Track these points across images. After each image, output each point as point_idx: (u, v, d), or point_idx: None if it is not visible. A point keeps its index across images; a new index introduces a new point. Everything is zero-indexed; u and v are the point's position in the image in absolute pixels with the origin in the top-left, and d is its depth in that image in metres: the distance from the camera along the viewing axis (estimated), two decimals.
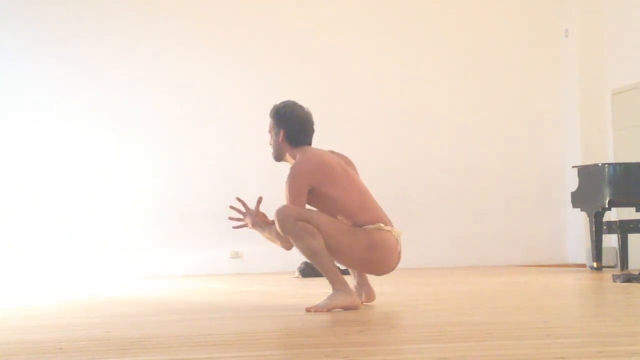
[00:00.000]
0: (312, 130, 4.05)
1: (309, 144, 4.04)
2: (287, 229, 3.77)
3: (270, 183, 9.26)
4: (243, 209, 4.01)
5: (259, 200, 3.96)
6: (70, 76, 9.32)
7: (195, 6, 9.65)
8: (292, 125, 3.99)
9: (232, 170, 9.42)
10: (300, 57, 9.65)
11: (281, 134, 4.00)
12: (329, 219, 3.84)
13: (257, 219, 3.97)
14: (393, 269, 3.94)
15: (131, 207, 9.28)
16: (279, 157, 4.08)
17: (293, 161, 3.98)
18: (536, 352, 2.33)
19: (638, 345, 2.51)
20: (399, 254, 3.92)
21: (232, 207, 4.04)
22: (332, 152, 4.08)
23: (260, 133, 9.07)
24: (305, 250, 3.79)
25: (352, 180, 3.96)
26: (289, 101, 4.09)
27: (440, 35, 10.04)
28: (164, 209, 9.29)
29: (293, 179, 3.86)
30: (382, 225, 3.84)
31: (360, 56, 9.81)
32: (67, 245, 9.06)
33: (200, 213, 9.31)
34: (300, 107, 4.05)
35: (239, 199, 4.04)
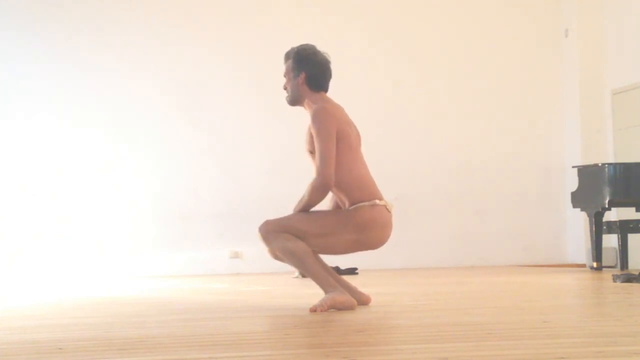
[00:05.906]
0: (330, 76, 3.99)
1: (326, 91, 3.98)
2: (271, 243, 3.78)
3: (271, 183, 9.33)
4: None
5: None
6: (70, 76, 9.33)
7: (195, 6, 9.65)
8: (314, 69, 3.92)
9: (232, 170, 9.42)
10: None
11: (302, 76, 3.92)
12: (309, 217, 3.80)
13: None
14: (387, 240, 3.92)
15: (131, 207, 9.29)
16: (294, 101, 3.98)
17: (310, 107, 3.88)
18: (536, 352, 2.33)
19: (638, 345, 2.51)
20: (391, 225, 3.91)
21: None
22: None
23: (261, 134, 9.15)
24: (290, 259, 3.78)
25: (358, 152, 3.94)
26: (309, 44, 4.00)
27: (440, 35, 10.04)
28: (164, 209, 9.30)
29: (322, 117, 3.74)
30: (377, 201, 3.83)
31: (358, 56, 9.80)
32: (68, 245, 9.07)
33: (200, 213, 9.32)
34: (320, 52, 3.99)
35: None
